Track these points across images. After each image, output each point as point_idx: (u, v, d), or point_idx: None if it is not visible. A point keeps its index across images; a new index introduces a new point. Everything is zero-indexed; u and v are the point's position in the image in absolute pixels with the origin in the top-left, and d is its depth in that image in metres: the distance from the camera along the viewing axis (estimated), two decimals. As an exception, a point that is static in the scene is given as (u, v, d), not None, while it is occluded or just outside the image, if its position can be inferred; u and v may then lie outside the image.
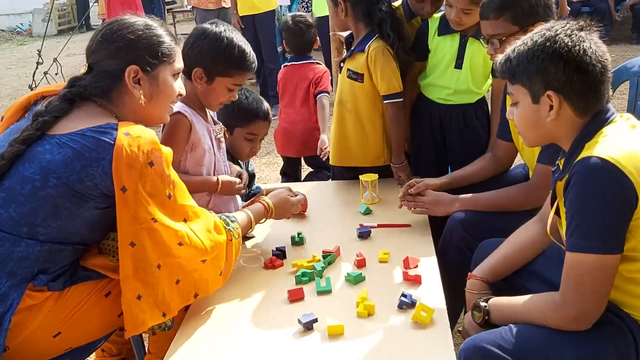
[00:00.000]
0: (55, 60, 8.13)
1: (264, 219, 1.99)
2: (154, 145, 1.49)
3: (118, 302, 1.59)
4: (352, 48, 2.53)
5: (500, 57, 1.50)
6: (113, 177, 1.44)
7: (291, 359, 1.52)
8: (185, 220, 1.58)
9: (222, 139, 2.15)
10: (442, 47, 2.46)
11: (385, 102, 2.47)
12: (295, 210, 2.11)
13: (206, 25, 1.97)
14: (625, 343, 1.36)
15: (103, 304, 1.61)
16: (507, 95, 2.14)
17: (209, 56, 1.93)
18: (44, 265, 1.52)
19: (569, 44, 1.36)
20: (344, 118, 2.58)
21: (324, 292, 1.78)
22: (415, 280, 1.79)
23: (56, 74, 7.47)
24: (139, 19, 1.62)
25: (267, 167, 4.61)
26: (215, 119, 2.17)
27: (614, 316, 1.40)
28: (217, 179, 2.04)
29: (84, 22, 11.29)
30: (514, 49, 1.45)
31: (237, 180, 2.11)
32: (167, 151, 1.55)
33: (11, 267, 1.48)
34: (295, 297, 1.75)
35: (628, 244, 1.33)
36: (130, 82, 1.57)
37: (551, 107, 1.41)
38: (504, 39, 1.97)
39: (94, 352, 1.95)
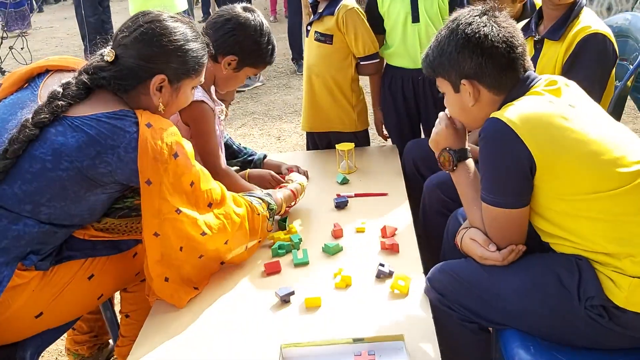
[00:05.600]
0: (20, 34, 7.88)
1: (293, 203, 2.01)
2: (176, 137, 1.53)
3: (100, 285, 1.64)
4: (320, 11, 2.49)
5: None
6: (138, 170, 1.47)
7: (269, 332, 1.50)
8: (210, 205, 1.63)
9: (222, 119, 2.10)
10: (394, 7, 2.45)
11: (362, 63, 2.51)
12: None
13: (243, 14, 1.93)
14: (570, 273, 1.38)
15: (85, 286, 1.61)
16: None
17: (248, 49, 1.93)
18: (37, 246, 1.51)
19: (469, 33, 1.45)
20: (312, 82, 2.57)
21: (301, 264, 1.76)
22: (393, 249, 1.77)
23: (22, 49, 7.25)
24: (180, 27, 1.58)
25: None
26: (215, 97, 2.11)
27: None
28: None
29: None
30: (431, 45, 1.54)
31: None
32: (189, 148, 1.57)
33: (6, 244, 1.45)
34: (272, 270, 1.73)
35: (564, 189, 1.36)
36: (153, 89, 1.56)
37: (470, 94, 1.49)
38: None
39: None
